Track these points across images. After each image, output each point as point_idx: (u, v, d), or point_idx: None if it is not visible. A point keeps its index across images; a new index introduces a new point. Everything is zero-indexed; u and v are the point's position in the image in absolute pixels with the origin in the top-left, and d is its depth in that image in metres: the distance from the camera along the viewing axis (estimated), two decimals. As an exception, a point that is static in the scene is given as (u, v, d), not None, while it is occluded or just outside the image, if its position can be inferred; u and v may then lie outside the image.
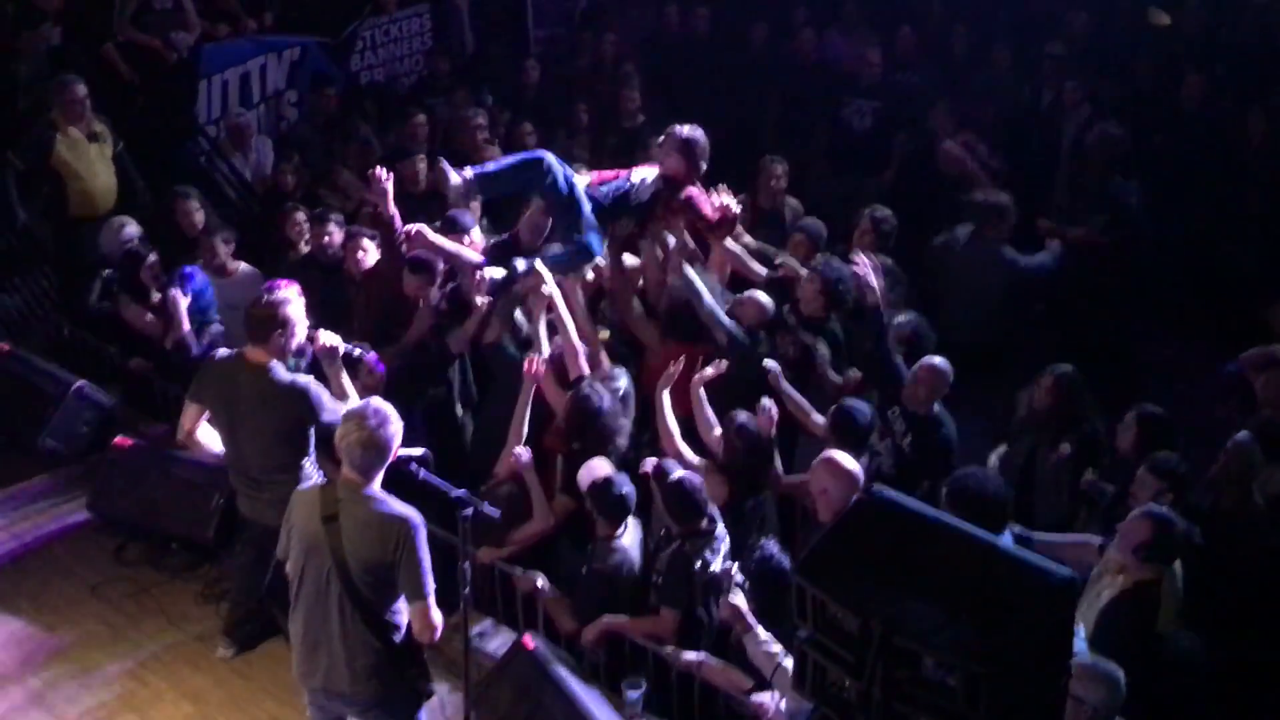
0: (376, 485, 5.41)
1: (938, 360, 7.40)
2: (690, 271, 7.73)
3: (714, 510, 6.63)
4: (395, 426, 5.41)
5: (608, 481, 6.64)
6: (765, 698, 5.78)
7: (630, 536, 6.76)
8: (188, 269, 8.70)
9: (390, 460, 5.43)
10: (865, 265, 7.63)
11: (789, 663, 5.53)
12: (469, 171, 7.38)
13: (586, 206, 7.46)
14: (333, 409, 6.29)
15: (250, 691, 6.85)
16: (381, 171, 7.83)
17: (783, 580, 6.02)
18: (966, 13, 12.46)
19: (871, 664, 3.98)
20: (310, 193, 10.45)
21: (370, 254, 8.51)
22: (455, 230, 8.24)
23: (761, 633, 5.89)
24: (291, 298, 6.53)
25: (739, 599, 6.00)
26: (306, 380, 6.47)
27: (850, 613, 4.03)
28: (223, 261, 9.07)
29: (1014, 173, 10.69)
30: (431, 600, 5.35)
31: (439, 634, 5.44)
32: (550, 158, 7.44)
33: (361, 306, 8.37)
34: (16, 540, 7.99)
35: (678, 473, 6.62)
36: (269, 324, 6.40)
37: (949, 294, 9.39)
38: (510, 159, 7.80)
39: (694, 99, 11.89)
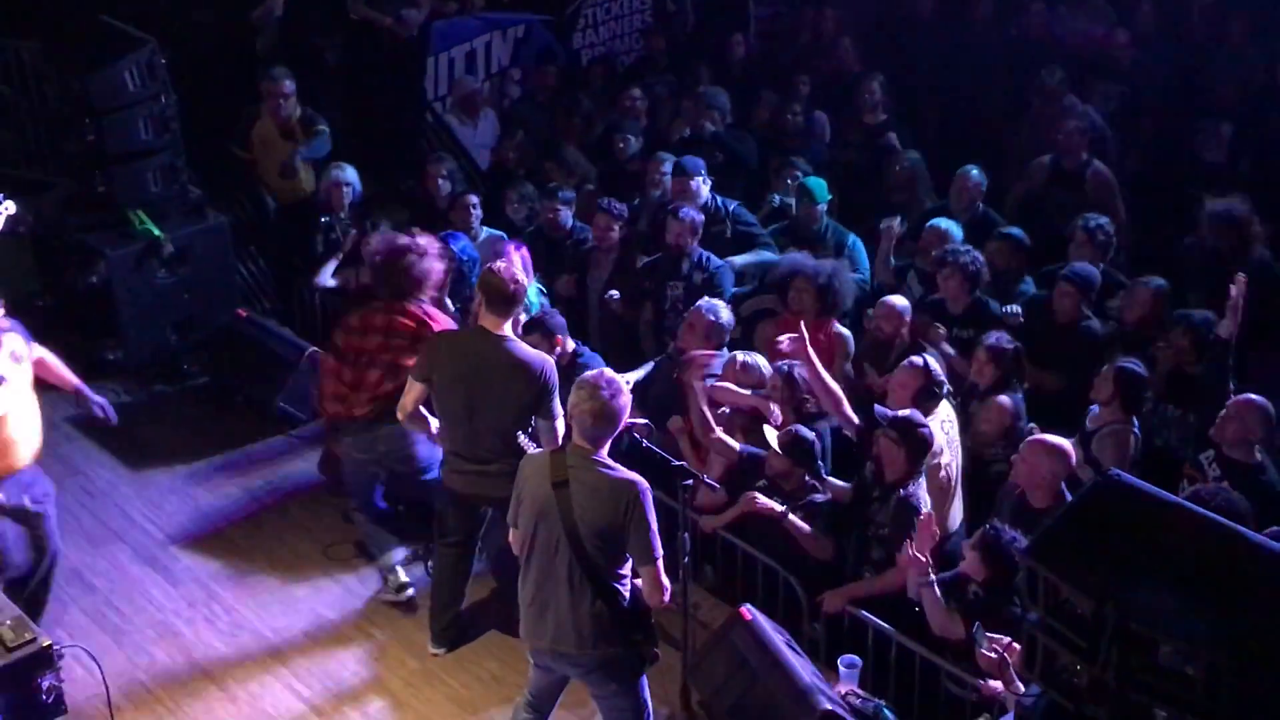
0: (604, 452, 5.51)
1: (1255, 396, 6.83)
2: None
3: None
4: (626, 397, 5.50)
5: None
6: (997, 685, 5.69)
7: None
8: (451, 233, 8.90)
9: (620, 429, 5.52)
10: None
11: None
12: None
13: None
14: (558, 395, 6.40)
15: (473, 650, 7.04)
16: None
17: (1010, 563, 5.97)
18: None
19: (1105, 650, 3.87)
20: (535, 168, 10.63)
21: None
22: (684, 174, 8.79)
23: (938, 590, 6.02)
24: (520, 270, 6.68)
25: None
26: (544, 356, 6.56)
27: (1084, 596, 3.93)
28: (471, 224, 9.27)
29: (1254, 159, 10.27)
30: (660, 564, 5.44)
31: (668, 596, 5.53)
32: None
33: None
34: (253, 498, 8.34)
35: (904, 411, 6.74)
36: (513, 297, 6.49)
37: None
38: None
39: (916, 78, 11.72)
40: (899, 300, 8.02)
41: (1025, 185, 10.08)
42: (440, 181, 9.72)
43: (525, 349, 6.52)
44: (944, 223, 8.74)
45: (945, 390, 7.17)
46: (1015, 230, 8.78)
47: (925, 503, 6.65)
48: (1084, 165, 9.75)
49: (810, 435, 6.96)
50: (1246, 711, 3.68)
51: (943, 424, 7.01)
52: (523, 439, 6.36)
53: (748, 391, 7.42)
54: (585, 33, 13.00)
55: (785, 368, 7.24)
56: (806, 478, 6.96)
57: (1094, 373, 7.34)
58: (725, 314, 7.84)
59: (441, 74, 11.92)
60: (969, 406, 7.52)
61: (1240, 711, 3.67)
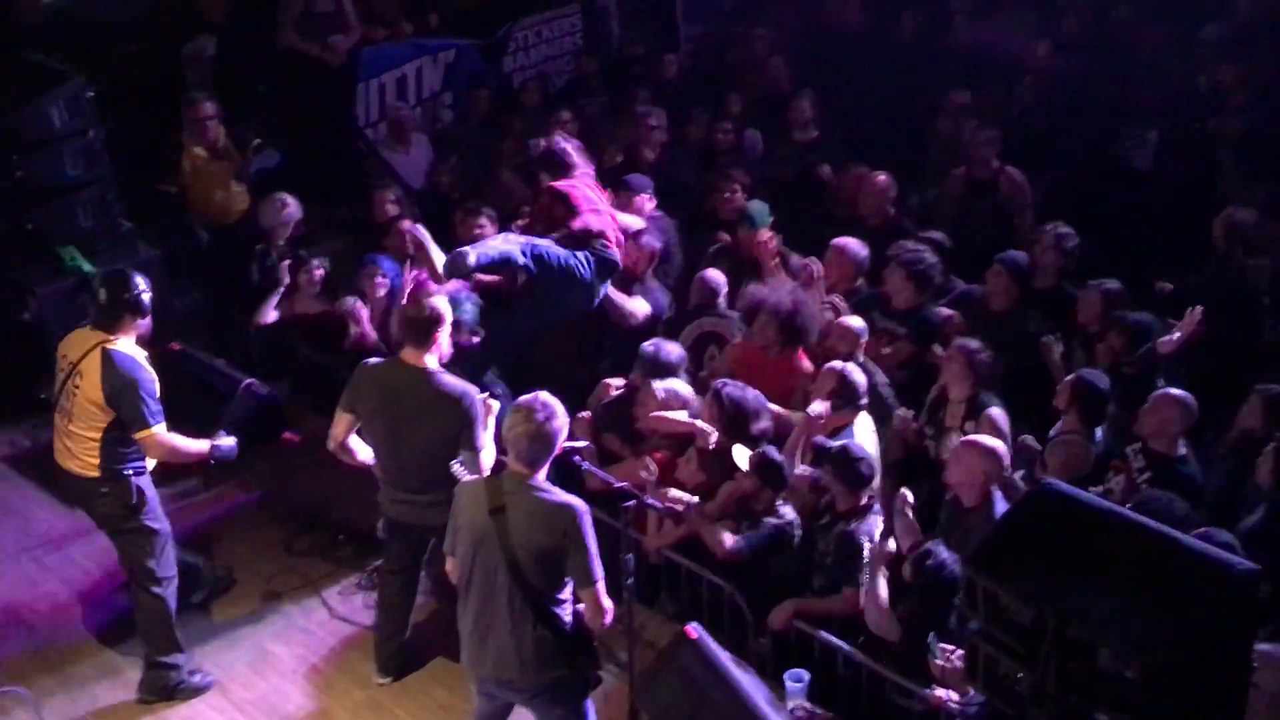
0: (542, 476, 5.50)
1: (1175, 391, 6.99)
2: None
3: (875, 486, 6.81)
4: (562, 419, 5.49)
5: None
6: (941, 693, 5.73)
7: None
8: (379, 257, 8.92)
9: (556, 452, 5.51)
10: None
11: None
12: (471, 257, 7.16)
13: (580, 266, 7.56)
14: (483, 425, 6.42)
15: (420, 679, 6.99)
16: None
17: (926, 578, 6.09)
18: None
19: (1045, 655, 3.94)
20: (469, 193, 10.59)
21: None
22: (629, 190, 8.75)
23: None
24: (443, 301, 6.67)
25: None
26: (466, 386, 6.53)
27: (1023, 604, 3.99)
28: (407, 250, 9.05)
29: (1175, 165, 10.43)
30: (601, 586, 5.45)
31: (610, 618, 5.53)
32: (516, 253, 7.33)
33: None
34: (193, 532, 8.17)
35: (840, 443, 6.80)
36: (430, 327, 6.49)
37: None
38: (493, 255, 7.34)
39: (845, 93, 11.81)
40: (855, 321, 7.89)
41: (944, 197, 10.29)
42: (389, 206, 9.69)
43: (447, 380, 6.50)
44: (845, 241, 8.68)
45: (864, 403, 7.27)
46: (936, 234, 8.88)
47: (874, 535, 6.59)
48: (996, 173, 9.90)
49: (780, 456, 6.96)
50: (1184, 713, 3.74)
51: (869, 432, 7.10)
52: (456, 467, 6.34)
53: (683, 414, 7.43)
54: (516, 55, 12.98)
55: (717, 386, 7.25)
56: (776, 500, 6.96)
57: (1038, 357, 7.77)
58: (678, 390, 7.59)
59: (372, 100, 11.87)
60: (940, 416, 7.52)
61: (1178, 713, 3.73)
